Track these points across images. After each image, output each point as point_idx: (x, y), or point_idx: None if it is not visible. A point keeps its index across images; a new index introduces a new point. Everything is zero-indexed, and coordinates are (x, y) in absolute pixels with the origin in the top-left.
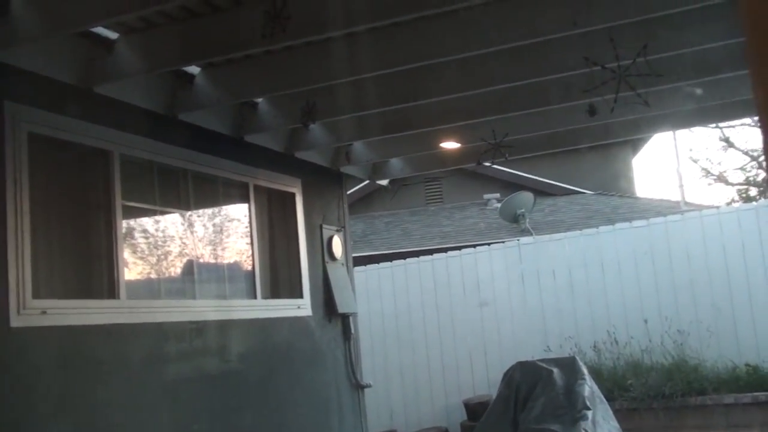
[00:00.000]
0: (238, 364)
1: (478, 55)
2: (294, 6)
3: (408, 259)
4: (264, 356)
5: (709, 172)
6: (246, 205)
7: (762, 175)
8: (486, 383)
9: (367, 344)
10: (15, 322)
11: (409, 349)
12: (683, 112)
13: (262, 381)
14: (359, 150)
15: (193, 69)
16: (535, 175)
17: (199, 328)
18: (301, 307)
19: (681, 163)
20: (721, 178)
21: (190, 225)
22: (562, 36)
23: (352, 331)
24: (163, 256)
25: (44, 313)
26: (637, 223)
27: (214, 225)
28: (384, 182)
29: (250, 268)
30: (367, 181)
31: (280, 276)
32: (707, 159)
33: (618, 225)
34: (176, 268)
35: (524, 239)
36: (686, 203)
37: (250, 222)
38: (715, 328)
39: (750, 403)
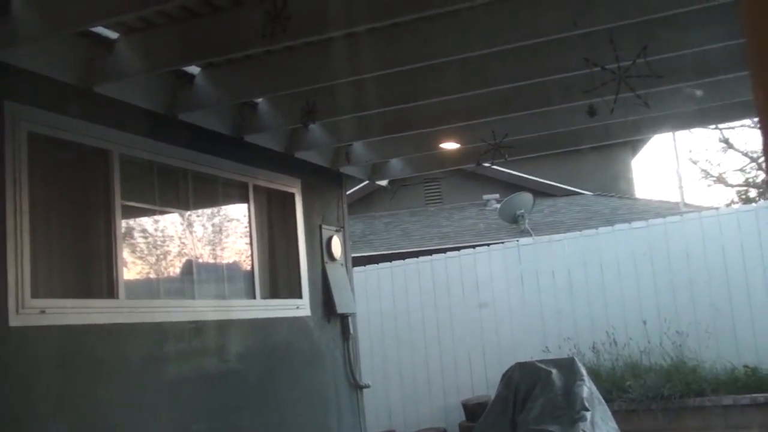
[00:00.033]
0: (237, 364)
1: (478, 56)
2: (294, 6)
3: (407, 260)
4: (263, 356)
5: (708, 174)
6: (245, 205)
7: (762, 176)
8: (485, 384)
9: (366, 344)
10: (14, 321)
11: (408, 349)
12: (683, 114)
13: (261, 381)
14: (359, 150)
15: (193, 69)
16: (535, 176)
17: (198, 328)
18: (300, 307)
19: (681, 165)
20: (720, 180)
21: (190, 225)
22: (562, 37)
23: (351, 331)
24: (162, 256)
25: (43, 312)
26: (636, 224)
27: (213, 225)
28: (383, 183)
29: (249, 268)
30: (366, 182)
31: (279, 276)
32: (707, 160)
33: (617, 226)
34: (175, 268)
35: (523, 240)
36: (686, 204)
37: (250, 222)
38: (714, 329)
39: (749, 404)
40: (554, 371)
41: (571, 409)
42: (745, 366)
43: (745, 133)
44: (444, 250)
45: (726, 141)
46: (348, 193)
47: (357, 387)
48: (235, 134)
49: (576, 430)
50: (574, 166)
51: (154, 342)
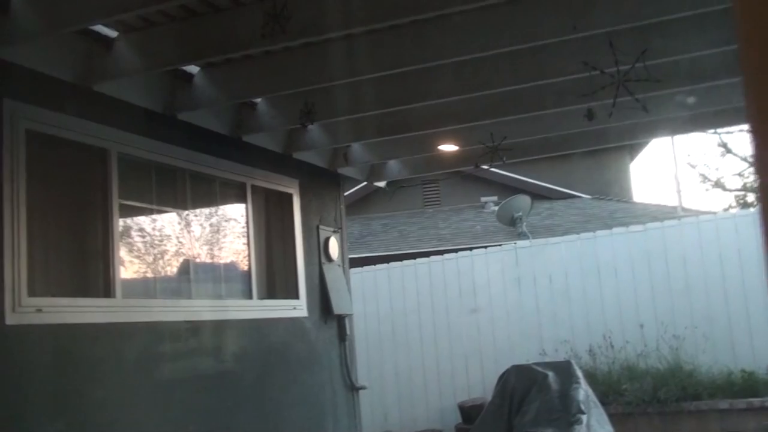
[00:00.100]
0: (234, 365)
1: (477, 59)
2: (294, 6)
3: (404, 261)
4: (259, 357)
5: (706, 178)
6: (243, 206)
7: None
8: (481, 386)
9: (363, 346)
10: (10, 319)
11: (404, 351)
12: (681, 118)
13: (258, 381)
14: (357, 151)
15: (192, 68)
16: (533, 179)
17: (194, 327)
18: (297, 307)
19: (679, 169)
20: (718, 184)
21: (187, 224)
22: (561, 40)
23: (348, 332)
24: (159, 256)
25: (39, 311)
26: (634, 227)
27: (210, 225)
28: (381, 184)
29: (246, 268)
30: (364, 183)
31: (276, 276)
32: (705, 165)
33: (615, 229)
34: (172, 268)
35: (521, 243)
36: (683, 209)
37: (247, 222)
38: (711, 333)
39: (745, 408)
40: (550, 374)
41: (567, 412)
42: (742, 370)
43: (743, 137)
44: (441, 252)
45: (724, 145)
46: (346, 194)
47: (353, 388)
48: (233, 134)
49: None
50: (572, 169)
51: (151, 341)
